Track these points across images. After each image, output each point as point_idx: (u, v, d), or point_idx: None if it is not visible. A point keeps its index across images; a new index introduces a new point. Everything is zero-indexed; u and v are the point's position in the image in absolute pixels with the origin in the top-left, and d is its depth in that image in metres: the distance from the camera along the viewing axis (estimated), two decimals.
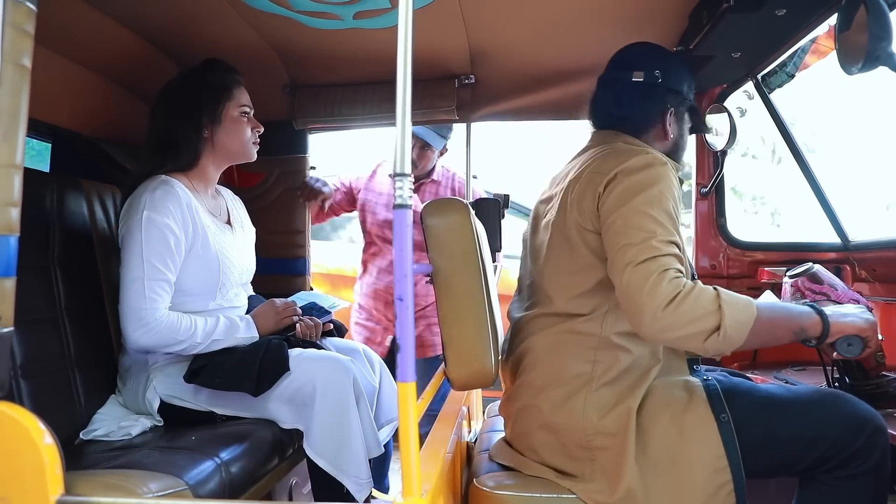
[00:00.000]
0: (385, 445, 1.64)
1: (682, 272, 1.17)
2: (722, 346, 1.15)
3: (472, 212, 1.39)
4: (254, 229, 1.87)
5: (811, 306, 1.22)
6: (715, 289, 1.16)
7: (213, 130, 1.66)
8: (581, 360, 1.28)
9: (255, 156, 1.75)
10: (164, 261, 1.49)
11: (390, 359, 2.52)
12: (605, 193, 1.25)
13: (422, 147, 2.47)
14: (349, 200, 2.61)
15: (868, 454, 1.20)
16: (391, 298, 2.44)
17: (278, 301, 1.68)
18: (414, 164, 2.44)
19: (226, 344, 1.55)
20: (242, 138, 1.69)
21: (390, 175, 2.50)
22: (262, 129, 1.74)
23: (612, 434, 1.23)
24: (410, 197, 0.94)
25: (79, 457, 1.34)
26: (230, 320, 1.57)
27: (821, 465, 1.22)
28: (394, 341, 2.52)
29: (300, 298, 1.81)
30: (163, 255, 1.49)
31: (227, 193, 1.83)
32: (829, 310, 1.23)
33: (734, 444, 1.20)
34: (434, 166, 2.59)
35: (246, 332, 1.58)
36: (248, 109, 1.70)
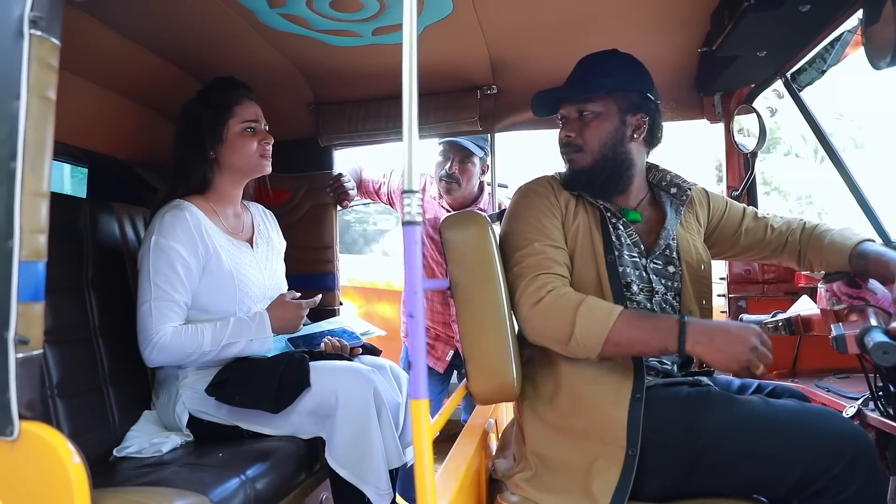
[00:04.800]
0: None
1: (554, 278, 1.28)
2: (582, 351, 1.22)
3: (491, 224, 1.38)
4: (284, 244, 1.88)
5: (682, 322, 1.18)
6: (584, 298, 1.22)
7: (218, 151, 1.67)
8: None
9: (268, 168, 1.72)
10: (171, 283, 1.53)
11: (447, 373, 2.51)
12: None
13: (461, 161, 2.38)
14: (366, 192, 2.56)
15: (847, 481, 1.11)
16: (449, 318, 2.45)
17: (287, 295, 1.67)
18: (456, 180, 2.37)
19: (242, 345, 1.56)
20: (247, 153, 1.68)
21: (434, 197, 2.48)
22: (271, 140, 1.72)
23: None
24: (419, 213, 0.94)
25: (111, 473, 1.38)
26: (240, 320, 1.58)
27: (800, 491, 1.15)
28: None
29: (336, 323, 1.81)
30: (169, 277, 1.53)
31: (255, 210, 1.85)
32: (707, 332, 1.17)
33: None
34: (481, 190, 2.49)
35: (259, 332, 1.57)
36: (252, 124, 1.68)
